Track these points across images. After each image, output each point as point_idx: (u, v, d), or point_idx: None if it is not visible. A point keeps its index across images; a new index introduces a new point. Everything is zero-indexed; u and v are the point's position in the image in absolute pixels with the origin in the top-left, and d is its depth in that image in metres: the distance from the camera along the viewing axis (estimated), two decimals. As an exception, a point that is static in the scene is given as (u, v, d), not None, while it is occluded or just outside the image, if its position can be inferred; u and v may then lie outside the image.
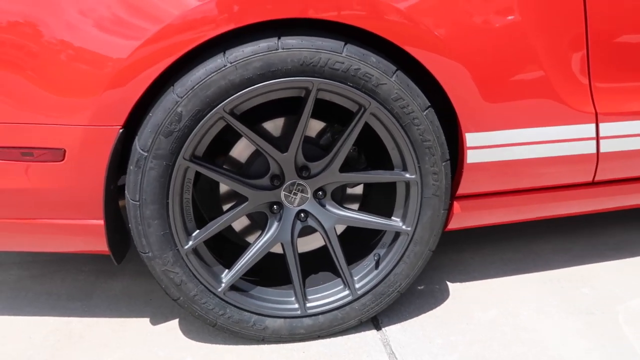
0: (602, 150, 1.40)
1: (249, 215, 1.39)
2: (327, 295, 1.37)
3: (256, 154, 1.32)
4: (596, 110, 1.35)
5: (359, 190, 1.45)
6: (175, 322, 1.44)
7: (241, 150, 1.33)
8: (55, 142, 1.15)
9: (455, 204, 1.42)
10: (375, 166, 1.39)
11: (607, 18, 1.31)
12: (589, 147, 1.39)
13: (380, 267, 1.36)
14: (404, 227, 1.33)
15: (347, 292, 1.36)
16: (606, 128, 1.37)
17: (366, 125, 1.25)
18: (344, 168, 1.32)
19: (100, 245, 1.25)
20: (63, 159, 1.16)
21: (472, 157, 1.34)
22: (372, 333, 1.40)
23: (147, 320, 1.46)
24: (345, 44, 1.16)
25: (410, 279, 1.37)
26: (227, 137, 1.31)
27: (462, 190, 1.40)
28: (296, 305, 1.34)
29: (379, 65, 1.18)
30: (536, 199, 1.46)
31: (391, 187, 1.36)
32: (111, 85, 1.10)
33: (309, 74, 1.15)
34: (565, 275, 1.66)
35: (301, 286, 1.33)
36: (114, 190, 1.24)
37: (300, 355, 1.31)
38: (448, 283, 1.64)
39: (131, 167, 1.16)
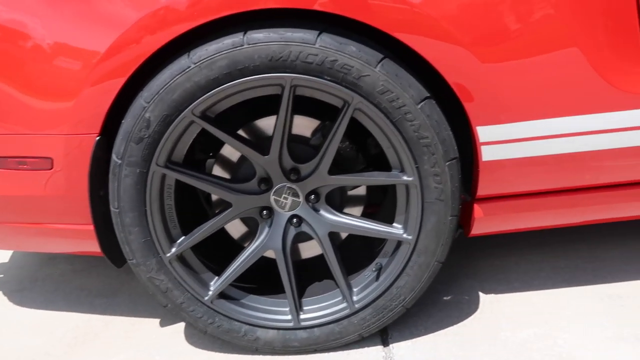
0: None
1: (244, 221, 1.33)
2: (324, 307, 1.26)
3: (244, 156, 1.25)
4: None
5: (362, 191, 1.32)
6: (181, 325, 1.43)
7: (231, 150, 1.26)
8: (43, 151, 1.17)
9: (476, 207, 1.23)
10: (377, 167, 1.25)
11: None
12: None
13: (381, 278, 1.22)
14: (404, 235, 1.18)
15: (344, 304, 1.24)
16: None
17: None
18: (340, 169, 1.20)
19: (94, 247, 1.27)
20: (51, 167, 1.19)
21: (488, 154, 1.14)
22: (377, 349, 1.27)
23: (157, 321, 1.46)
24: (320, 34, 1.03)
25: (416, 292, 1.22)
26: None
27: (481, 191, 1.21)
28: (289, 317, 1.25)
29: (360, 55, 1.03)
30: (578, 200, 1.22)
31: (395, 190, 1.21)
32: (83, 95, 1.09)
33: (279, 69, 1.04)
34: (632, 292, 1.38)
35: (294, 296, 1.24)
36: (104, 196, 1.24)
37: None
38: (480, 294, 1.45)
39: (110, 175, 1.15)
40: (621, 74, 1.09)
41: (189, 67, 1.04)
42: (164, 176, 1.15)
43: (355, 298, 1.23)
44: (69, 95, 1.10)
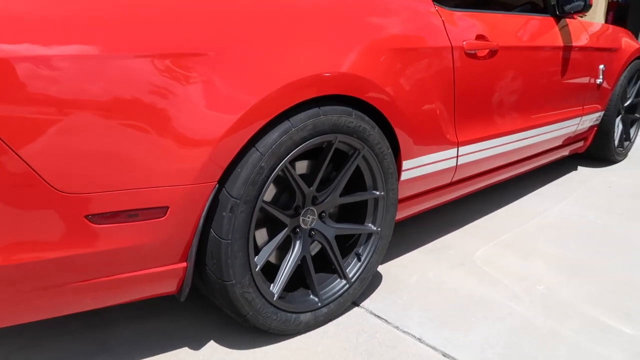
0: (459, 162, 2.28)
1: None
2: (332, 288, 1.85)
3: (280, 192, 1.71)
4: (457, 139, 2.22)
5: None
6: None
7: (270, 190, 1.70)
8: (161, 201, 1.34)
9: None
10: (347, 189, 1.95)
11: (465, 88, 2.18)
12: (452, 161, 2.26)
13: (362, 259, 1.93)
14: (374, 228, 1.93)
15: (344, 282, 1.87)
16: (462, 149, 2.26)
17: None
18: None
19: (171, 287, 1.47)
20: (164, 215, 1.36)
21: (403, 175, 2.03)
22: (357, 309, 1.95)
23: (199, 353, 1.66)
24: (353, 109, 1.69)
25: (378, 264, 1.98)
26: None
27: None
28: (316, 299, 1.79)
29: (369, 123, 1.75)
30: (427, 197, 2.26)
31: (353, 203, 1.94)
32: (214, 150, 1.37)
33: (335, 131, 1.64)
34: (439, 245, 2.50)
35: (315, 285, 1.79)
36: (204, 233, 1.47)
37: (324, 335, 1.77)
38: (373, 266, 2.29)
39: (224, 213, 1.43)
40: (463, 132, 2.18)
41: (291, 129, 1.51)
42: (259, 209, 1.52)
43: (350, 275, 1.88)
44: (201, 151, 1.35)
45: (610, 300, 2.04)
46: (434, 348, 1.72)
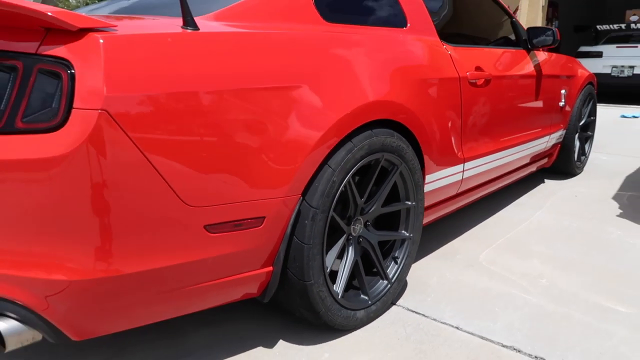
0: (464, 176, 2.62)
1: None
2: (376, 288, 2.10)
3: (335, 205, 1.96)
4: (464, 156, 2.56)
5: (372, 218, 2.24)
6: None
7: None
8: (260, 212, 1.56)
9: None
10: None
11: (468, 112, 2.53)
12: (459, 175, 2.59)
13: (399, 262, 2.19)
14: (407, 234, 2.21)
15: (386, 282, 2.12)
16: (467, 165, 2.59)
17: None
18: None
19: (254, 289, 1.67)
20: (262, 225, 1.57)
21: (425, 188, 2.33)
22: (396, 307, 2.20)
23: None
24: (394, 131, 1.98)
25: (411, 266, 2.25)
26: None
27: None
28: (367, 298, 2.03)
29: (405, 142, 2.05)
30: (440, 206, 2.58)
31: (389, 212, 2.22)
32: (302, 165, 1.61)
33: (383, 150, 1.92)
34: (447, 251, 2.81)
35: (366, 286, 2.03)
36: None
37: (376, 329, 2.01)
38: (396, 271, 2.56)
39: (306, 222, 1.66)
40: (465, 149, 2.51)
41: (353, 149, 1.77)
42: (330, 218, 1.76)
43: (390, 276, 2.14)
44: (293, 168, 1.59)
45: (604, 287, 2.40)
46: (471, 334, 2.00)
